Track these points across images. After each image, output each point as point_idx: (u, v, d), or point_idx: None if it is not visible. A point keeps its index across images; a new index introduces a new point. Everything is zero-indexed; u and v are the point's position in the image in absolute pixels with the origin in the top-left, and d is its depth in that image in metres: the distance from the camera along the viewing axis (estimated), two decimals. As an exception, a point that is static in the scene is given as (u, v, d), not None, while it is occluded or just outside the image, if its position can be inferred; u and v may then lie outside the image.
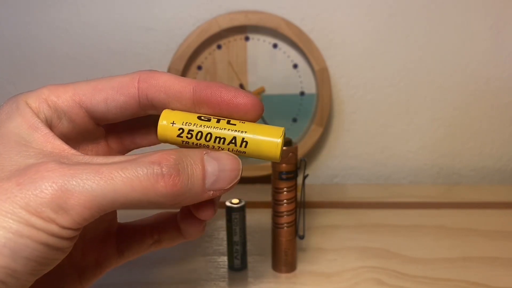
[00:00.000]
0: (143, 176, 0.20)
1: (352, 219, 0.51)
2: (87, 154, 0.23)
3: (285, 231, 0.41)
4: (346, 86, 0.58)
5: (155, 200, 0.21)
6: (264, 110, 0.24)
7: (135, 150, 0.28)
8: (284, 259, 0.42)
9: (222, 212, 0.42)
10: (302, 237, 0.42)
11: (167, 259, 0.44)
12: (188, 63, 0.54)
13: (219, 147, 0.23)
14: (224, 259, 0.44)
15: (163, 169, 0.21)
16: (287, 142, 0.39)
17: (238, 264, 0.42)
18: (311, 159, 0.61)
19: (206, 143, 0.23)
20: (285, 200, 0.40)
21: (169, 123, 0.23)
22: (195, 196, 0.22)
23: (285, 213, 0.40)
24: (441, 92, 0.58)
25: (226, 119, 0.24)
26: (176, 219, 0.27)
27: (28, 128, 0.22)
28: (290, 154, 0.39)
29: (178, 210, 0.27)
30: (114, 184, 0.20)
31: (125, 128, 0.27)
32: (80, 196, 0.19)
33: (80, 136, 0.25)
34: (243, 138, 0.23)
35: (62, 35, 0.56)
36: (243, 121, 0.24)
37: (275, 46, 0.54)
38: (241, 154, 0.24)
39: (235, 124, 0.23)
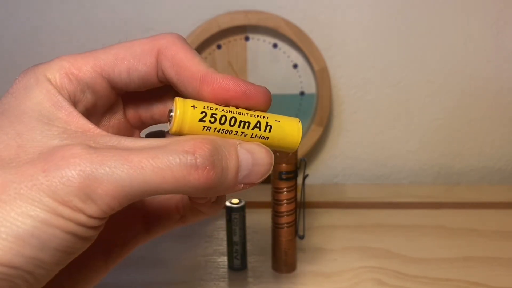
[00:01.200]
0: (176, 166, 0.19)
1: (352, 219, 0.51)
2: (112, 133, 0.21)
3: (285, 231, 0.41)
4: (346, 86, 0.58)
5: (185, 191, 0.20)
6: (272, 100, 0.23)
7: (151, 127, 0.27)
8: (284, 259, 0.42)
9: (222, 212, 0.42)
10: (302, 237, 0.42)
11: (167, 259, 0.44)
12: (188, 63, 0.54)
13: (243, 132, 0.22)
14: (224, 259, 0.44)
15: (198, 160, 0.19)
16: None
17: (238, 264, 0.42)
18: (311, 159, 0.61)
19: (230, 128, 0.22)
20: (285, 200, 0.40)
21: (188, 106, 0.21)
22: (226, 189, 0.21)
23: (285, 213, 0.40)
24: (441, 92, 0.58)
25: (243, 107, 0.22)
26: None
27: (51, 106, 0.20)
28: (290, 154, 0.39)
29: None
30: (144, 174, 0.19)
31: (143, 102, 0.26)
32: (108, 185, 0.18)
33: (102, 109, 0.24)
34: (267, 122, 0.22)
35: (62, 35, 0.56)
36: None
37: (275, 46, 0.54)
38: (263, 142, 0.23)
39: (254, 111, 0.22)
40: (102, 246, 0.25)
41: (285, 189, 0.39)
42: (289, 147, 0.23)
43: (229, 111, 0.22)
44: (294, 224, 0.41)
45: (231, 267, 0.42)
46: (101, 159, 0.19)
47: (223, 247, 0.45)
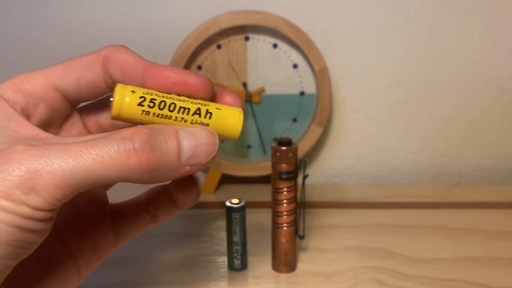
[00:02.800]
0: (114, 152, 0.20)
1: (352, 219, 0.51)
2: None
3: (285, 231, 0.41)
4: (346, 86, 0.58)
5: (129, 176, 0.20)
6: (214, 90, 0.24)
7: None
8: (284, 259, 0.42)
9: (222, 212, 0.42)
10: (302, 237, 0.42)
11: (167, 259, 0.44)
12: (188, 63, 0.54)
13: (183, 118, 0.23)
14: (224, 259, 0.44)
15: (135, 144, 0.20)
16: (287, 142, 0.39)
17: (238, 264, 0.42)
18: (311, 159, 0.61)
19: (170, 114, 0.22)
20: (285, 200, 0.40)
21: (128, 91, 0.22)
22: (171, 171, 0.22)
23: (285, 213, 0.40)
24: (441, 92, 0.58)
25: (185, 96, 0.23)
26: (170, 191, 0.27)
27: (2, 119, 0.22)
28: (290, 154, 0.39)
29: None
30: (84, 161, 0.19)
31: (101, 111, 0.27)
32: (49, 175, 0.19)
33: (59, 120, 0.25)
34: (207, 110, 0.23)
35: (62, 35, 0.56)
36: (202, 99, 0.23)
37: (275, 46, 0.54)
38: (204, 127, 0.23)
39: (196, 99, 0.23)
40: (72, 256, 0.26)
41: (285, 189, 0.39)
42: (231, 135, 0.24)
43: (169, 97, 0.22)
44: (294, 224, 0.41)
45: (231, 267, 0.42)
46: (41, 153, 0.19)
47: (223, 247, 0.45)
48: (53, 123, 0.24)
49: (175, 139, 0.22)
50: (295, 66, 0.55)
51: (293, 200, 0.40)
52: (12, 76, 0.24)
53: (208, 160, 0.22)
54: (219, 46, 0.54)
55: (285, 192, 0.39)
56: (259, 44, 0.54)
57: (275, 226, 0.41)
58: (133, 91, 0.22)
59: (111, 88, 0.24)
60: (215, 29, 0.52)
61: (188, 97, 0.23)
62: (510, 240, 0.47)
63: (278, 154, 0.39)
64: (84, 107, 0.26)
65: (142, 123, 0.22)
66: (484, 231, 0.48)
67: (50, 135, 0.22)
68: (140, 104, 0.22)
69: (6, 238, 0.19)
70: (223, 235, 0.47)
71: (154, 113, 0.22)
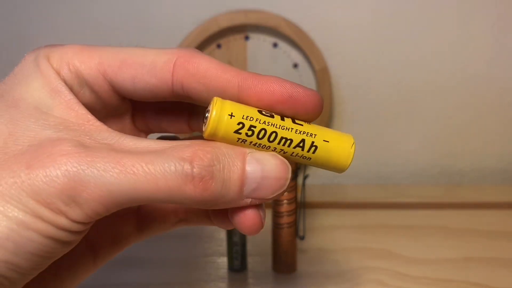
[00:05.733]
0: (170, 174, 0.17)
1: (353, 219, 0.50)
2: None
3: (285, 232, 0.40)
4: (346, 86, 0.58)
5: (181, 201, 0.18)
6: (322, 106, 0.21)
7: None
8: (284, 259, 0.41)
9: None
10: (302, 238, 0.42)
11: (167, 259, 0.44)
12: (188, 63, 0.53)
13: (282, 149, 0.20)
14: (224, 259, 0.43)
15: (194, 170, 0.18)
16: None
17: (238, 264, 0.42)
18: (311, 160, 0.61)
19: (268, 144, 0.19)
20: (285, 201, 0.39)
21: (225, 114, 0.19)
22: (229, 202, 0.19)
23: (285, 213, 0.40)
24: (442, 92, 0.58)
25: (290, 118, 0.20)
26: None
27: (50, 91, 0.19)
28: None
29: None
30: (136, 180, 0.17)
31: (152, 109, 0.24)
32: (95, 189, 0.17)
33: (104, 110, 0.22)
34: (313, 142, 0.20)
35: (61, 35, 0.56)
36: (308, 122, 0.20)
37: (275, 45, 0.54)
38: (304, 161, 0.20)
39: (302, 125, 0.20)
40: (90, 245, 0.24)
41: (285, 189, 0.39)
42: (335, 169, 0.21)
43: (271, 124, 0.19)
44: (294, 225, 0.41)
45: (231, 267, 0.42)
46: (90, 159, 0.17)
47: (223, 247, 0.45)
48: (96, 111, 0.21)
49: (241, 168, 0.19)
50: (295, 65, 0.55)
51: (293, 200, 0.40)
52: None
53: (275, 195, 0.19)
54: (219, 46, 0.54)
55: (285, 193, 0.39)
56: (259, 43, 0.54)
57: (275, 226, 0.41)
58: (231, 115, 0.19)
59: (177, 98, 0.21)
60: (215, 28, 0.52)
61: (293, 116, 0.20)
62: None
63: (278, 154, 0.38)
64: (137, 103, 0.23)
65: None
66: (485, 232, 0.48)
67: (103, 126, 0.19)
68: (237, 132, 0.19)
69: (37, 249, 0.17)
70: (223, 235, 0.47)
71: (251, 142, 0.19)
